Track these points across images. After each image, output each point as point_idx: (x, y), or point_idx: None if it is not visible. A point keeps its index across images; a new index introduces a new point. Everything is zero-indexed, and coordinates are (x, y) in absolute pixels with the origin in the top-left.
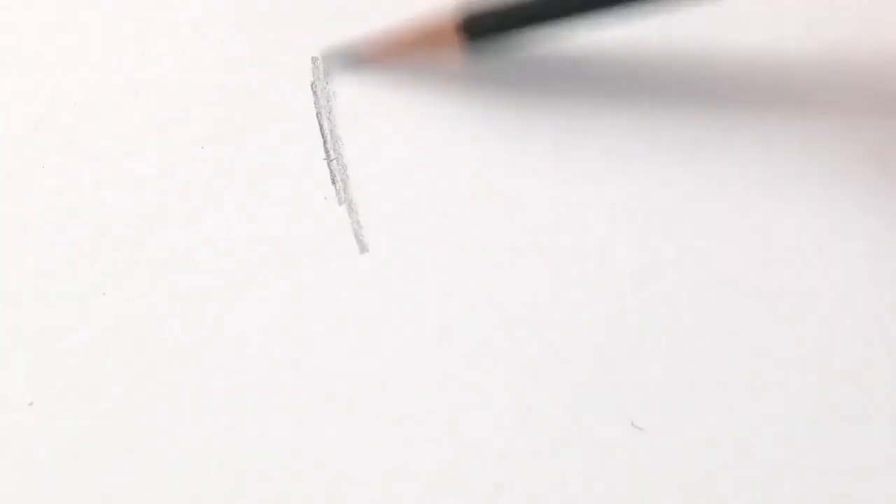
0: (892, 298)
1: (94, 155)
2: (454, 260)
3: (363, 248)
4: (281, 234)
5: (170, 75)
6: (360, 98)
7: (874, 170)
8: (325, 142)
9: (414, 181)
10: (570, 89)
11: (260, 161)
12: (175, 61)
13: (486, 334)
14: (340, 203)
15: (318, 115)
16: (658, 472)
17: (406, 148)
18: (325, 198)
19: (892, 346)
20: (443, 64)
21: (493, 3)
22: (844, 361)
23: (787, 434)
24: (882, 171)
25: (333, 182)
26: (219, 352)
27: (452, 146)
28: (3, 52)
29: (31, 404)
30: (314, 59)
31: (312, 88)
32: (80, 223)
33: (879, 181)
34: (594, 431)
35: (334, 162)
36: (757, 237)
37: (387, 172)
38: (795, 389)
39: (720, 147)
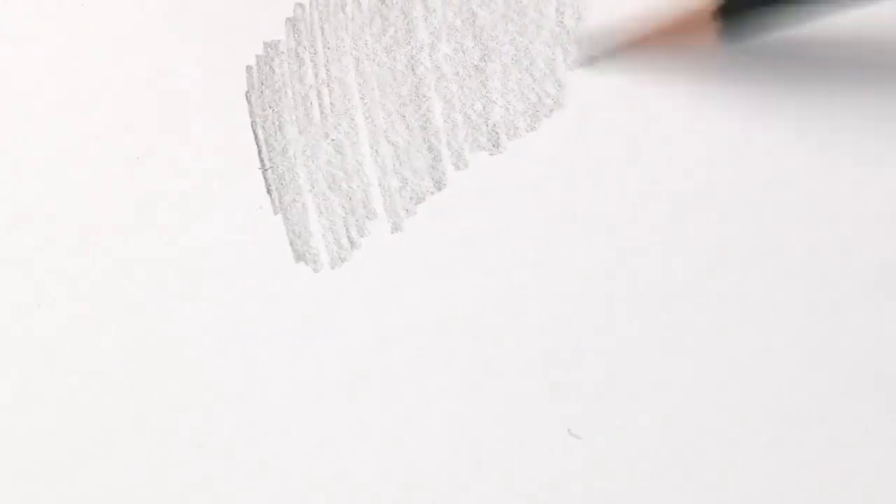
0: None
1: (30, 168)
2: (399, 267)
3: (298, 257)
4: (217, 244)
5: (105, 87)
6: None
7: None
8: (259, 151)
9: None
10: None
11: (196, 172)
12: (110, 73)
13: (423, 343)
14: (276, 212)
15: (254, 124)
16: (594, 480)
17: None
18: (261, 207)
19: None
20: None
21: None
22: (775, 369)
23: (725, 441)
24: None
25: (269, 192)
26: (156, 362)
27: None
28: None
29: None
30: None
31: (247, 98)
32: (16, 235)
33: None
34: (531, 439)
35: (269, 172)
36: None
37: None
38: (734, 397)
39: None
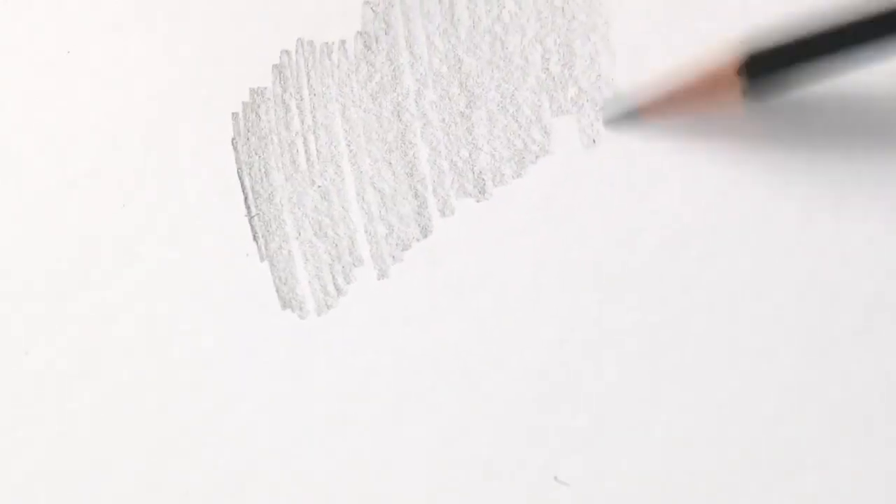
0: None
1: (15, 213)
2: (385, 314)
3: (285, 304)
4: (204, 291)
5: (91, 133)
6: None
7: None
8: (246, 198)
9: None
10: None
11: (182, 218)
12: (97, 119)
13: (409, 389)
14: (262, 259)
15: (240, 171)
16: None
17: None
18: (248, 254)
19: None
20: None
21: (775, 40)
22: (759, 414)
23: (711, 484)
24: None
25: (255, 239)
26: (142, 406)
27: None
28: None
29: None
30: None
31: (233, 145)
32: (2, 281)
33: None
34: (517, 486)
35: (255, 218)
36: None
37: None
38: (718, 439)
39: None
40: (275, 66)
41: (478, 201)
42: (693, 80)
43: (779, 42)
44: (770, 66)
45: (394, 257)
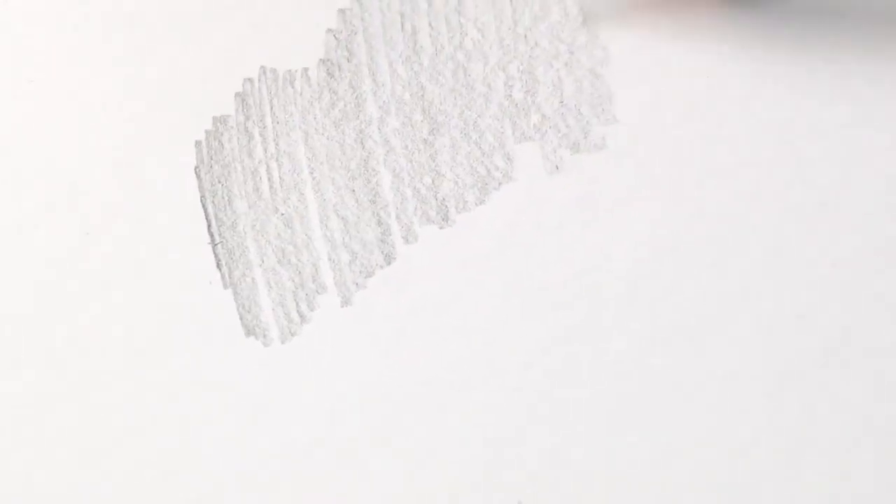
0: None
1: None
2: (349, 341)
3: (248, 332)
4: (167, 318)
5: (54, 161)
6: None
7: None
8: (209, 226)
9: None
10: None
11: (145, 247)
12: (59, 147)
13: (372, 416)
14: (226, 287)
15: (203, 199)
16: None
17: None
18: (211, 282)
19: None
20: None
21: None
22: (724, 442)
23: None
24: None
25: (219, 266)
26: (105, 436)
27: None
28: None
29: None
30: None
31: (196, 173)
32: None
33: None
34: None
35: (219, 246)
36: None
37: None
38: (681, 465)
39: None
40: (237, 94)
41: (441, 228)
42: None
43: None
44: None
45: (357, 284)
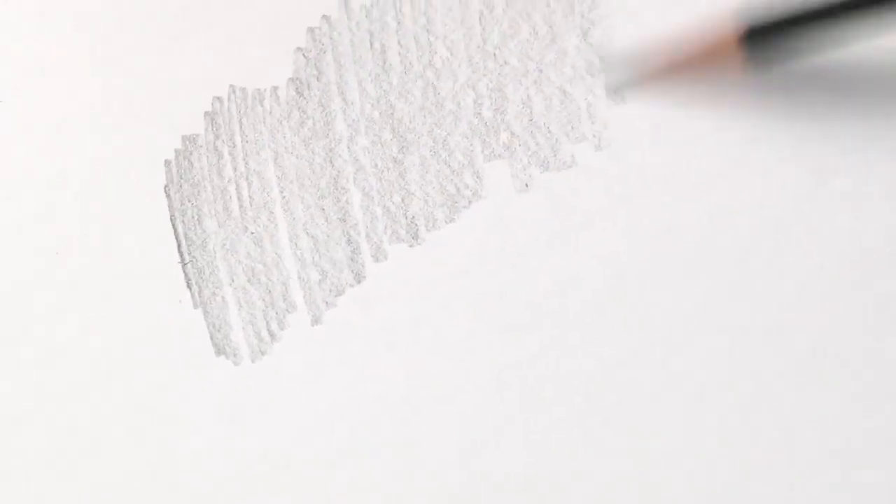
0: None
1: None
2: (319, 360)
3: (219, 351)
4: (137, 338)
5: (24, 181)
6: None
7: None
8: (179, 245)
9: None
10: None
11: (115, 266)
12: (29, 167)
13: (344, 436)
14: (196, 306)
15: (173, 218)
16: None
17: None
18: (181, 301)
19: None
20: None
21: (776, 9)
22: (695, 465)
23: None
24: None
25: (189, 286)
26: (74, 457)
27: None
28: None
29: None
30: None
31: (166, 192)
32: None
33: None
34: None
35: (189, 265)
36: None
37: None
38: (651, 484)
39: None
40: (207, 113)
41: (411, 246)
42: (694, 48)
43: (779, 12)
44: (768, 35)
45: (327, 303)
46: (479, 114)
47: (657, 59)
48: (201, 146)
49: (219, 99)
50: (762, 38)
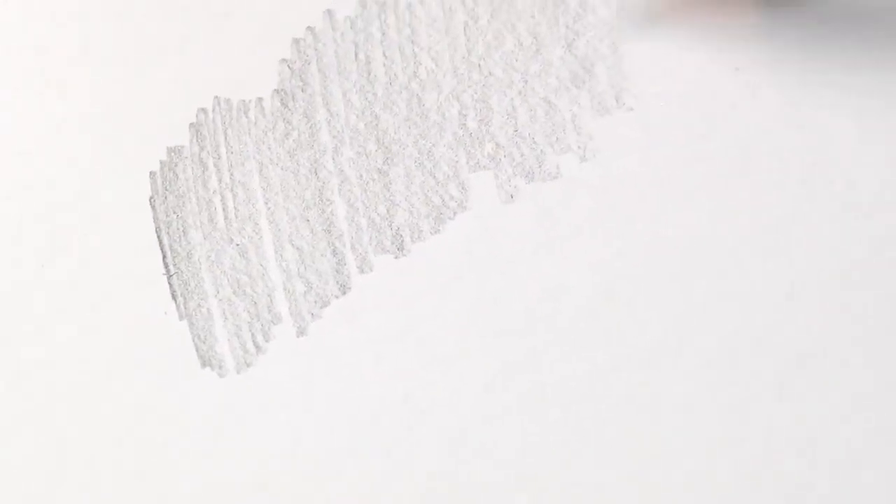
0: None
1: None
2: (304, 371)
3: (204, 363)
4: (123, 349)
5: (8, 193)
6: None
7: None
8: (164, 257)
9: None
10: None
11: (101, 278)
12: (13, 178)
13: (330, 448)
14: (181, 318)
15: (158, 230)
16: None
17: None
18: (166, 313)
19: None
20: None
21: None
22: (675, 484)
23: None
24: None
25: (174, 297)
26: (62, 466)
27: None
28: None
29: None
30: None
31: (151, 203)
32: None
33: None
34: None
35: (174, 277)
36: None
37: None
38: (640, 499)
39: None
40: (192, 125)
41: (396, 257)
42: None
43: None
44: None
45: (313, 314)
46: (464, 125)
47: None
48: (186, 158)
49: (203, 110)
50: None
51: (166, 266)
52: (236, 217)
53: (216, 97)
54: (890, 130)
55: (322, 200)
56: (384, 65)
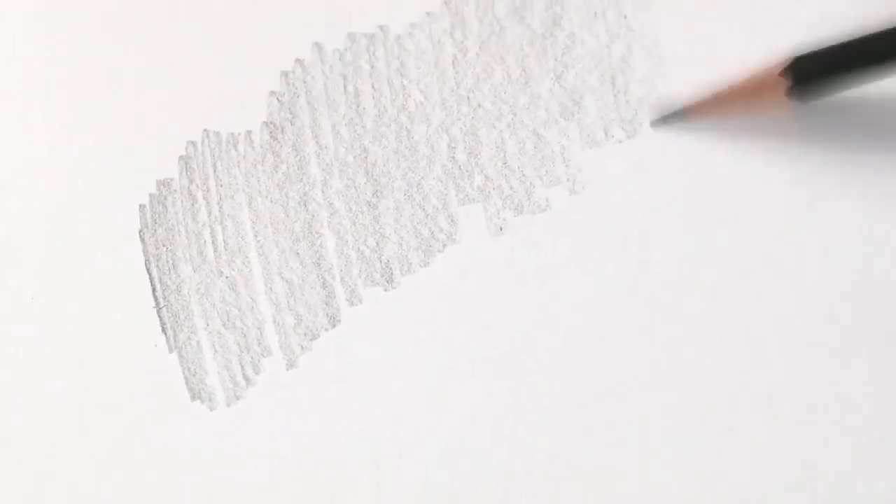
0: None
1: None
2: (294, 404)
3: (194, 396)
4: (112, 383)
5: None
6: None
7: None
8: (154, 289)
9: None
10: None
11: (90, 310)
12: (3, 212)
13: (318, 481)
14: (171, 351)
15: (147, 263)
16: None
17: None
18: (156, 346)
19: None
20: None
21: (821, 46)
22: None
23: None
24: None
25: (164, 330)
26: (52, 499)
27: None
28: None
29: None
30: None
31: (141, 236)
32: None
33: None
34: None
35: (164, 310)
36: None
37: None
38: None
39: None
40: (181, 158)
41: (385, 290)
42: (739, 81)
43: (824, 45)
44: (813, 72)
45: (302, 347)
46: (453, 157)
47: (704, 91)
48: (175, 190)
49: (193, 143)
50: (807, 70)
51: (156, 298)
52: (226, 249)
53: (205, 130)
54: None
55: (311, 233)
56: (373, 97)
